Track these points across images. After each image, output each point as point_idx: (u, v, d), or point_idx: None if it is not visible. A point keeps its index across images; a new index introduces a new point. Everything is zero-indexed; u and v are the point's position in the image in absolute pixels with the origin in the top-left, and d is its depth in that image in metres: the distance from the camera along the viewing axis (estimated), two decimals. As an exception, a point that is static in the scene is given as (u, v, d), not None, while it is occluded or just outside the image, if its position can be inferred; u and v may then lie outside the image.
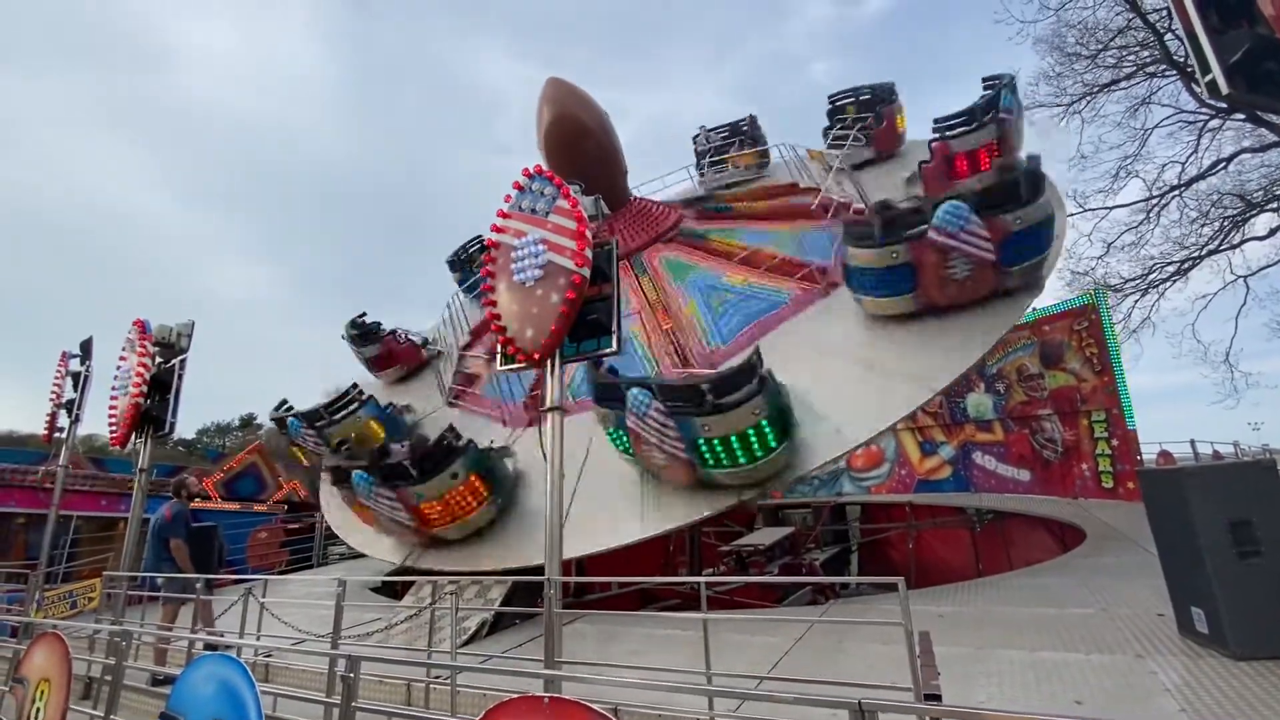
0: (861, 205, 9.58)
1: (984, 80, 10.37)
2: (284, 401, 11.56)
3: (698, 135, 15.06)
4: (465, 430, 8.23)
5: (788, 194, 12.18)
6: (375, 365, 13.49)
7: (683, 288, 10.87)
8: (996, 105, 9.43)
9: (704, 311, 10.24)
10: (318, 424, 10.29)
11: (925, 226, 6.81)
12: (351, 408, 10.53)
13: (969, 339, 7.30)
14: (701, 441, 6.40)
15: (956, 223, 6.70)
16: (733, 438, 6.31)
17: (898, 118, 12.97)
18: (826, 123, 13.29)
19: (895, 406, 6.99)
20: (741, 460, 6.44)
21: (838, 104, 13.27)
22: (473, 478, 7.61)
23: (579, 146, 11.21)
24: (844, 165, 11.45)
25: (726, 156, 14.22)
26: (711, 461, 6.52)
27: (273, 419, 11.31)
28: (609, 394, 7.03)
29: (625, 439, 7.06)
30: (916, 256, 7.02)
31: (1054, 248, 7.49)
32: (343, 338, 13.56)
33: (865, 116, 12.62)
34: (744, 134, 14.31)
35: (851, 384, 7.38)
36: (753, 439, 6.35)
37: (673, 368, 9.51)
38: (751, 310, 9.79)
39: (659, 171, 15.49)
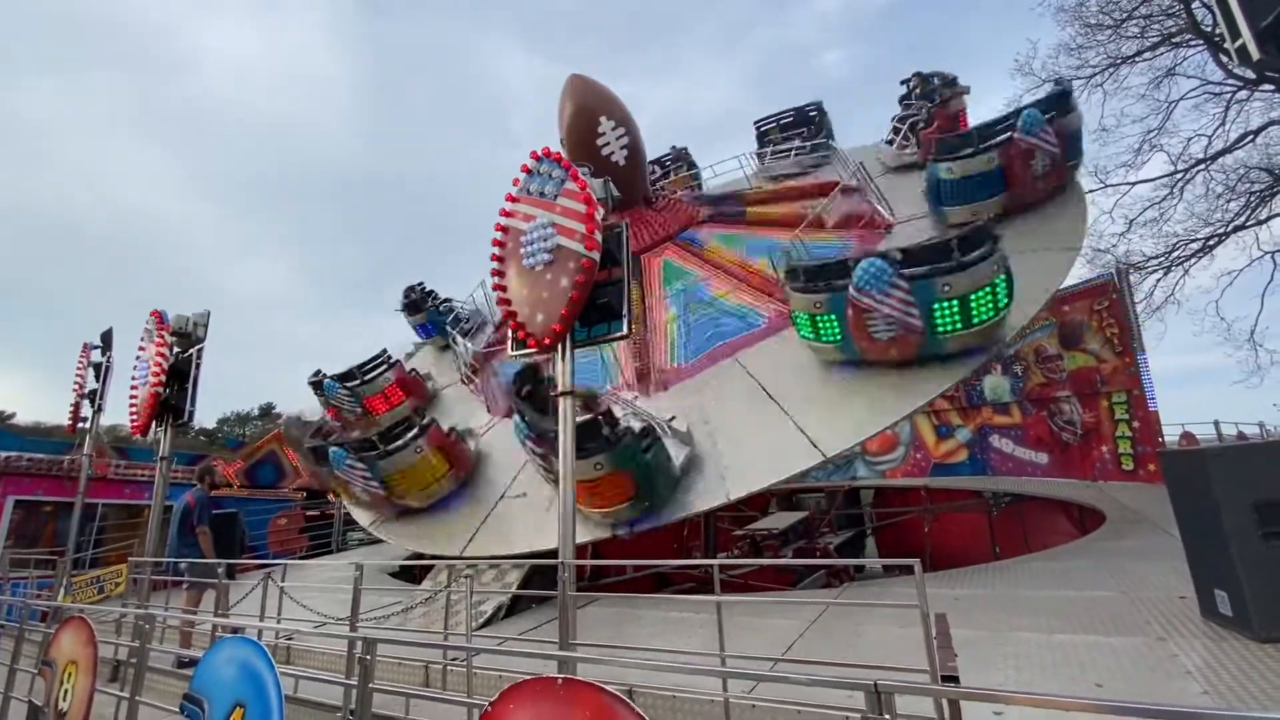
0: (891, 219, 9.96)
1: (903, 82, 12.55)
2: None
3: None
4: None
5: (815, 195, 11.61)
6: (384, 401, 11.96)
7: (669, 294, 10.80)
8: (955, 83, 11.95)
9: (680, 325, 10.16)
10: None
11: (1012, 133, 8.22)
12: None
13: (1068, 221, 8.38)
14: (937, 305, 6.48)
15: (1038, 125, 8.13)
16: (973, 295, 6.41)
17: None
18: (816, 124, 13.94)
19: (1053, 269, 7.66)
20: (980, 319, 6.50)
21: (763, 129, 14.45)
22: (617, 475, 6.57)
23: (600, 142, 11.17)
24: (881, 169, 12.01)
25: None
26: (946, 326, 6.58)
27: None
28: (819, 275, 7.16)
29: (831, 326, 7.16)
30: (1006, 160, 8.36)
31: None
32: (326, 389, 12.17)
33: (798, 132, 13.81)
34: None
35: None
36: (993, 293, 6.47)
37: (634, 376, 9.70)
38: (725, 330, 9.54)
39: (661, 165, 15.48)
